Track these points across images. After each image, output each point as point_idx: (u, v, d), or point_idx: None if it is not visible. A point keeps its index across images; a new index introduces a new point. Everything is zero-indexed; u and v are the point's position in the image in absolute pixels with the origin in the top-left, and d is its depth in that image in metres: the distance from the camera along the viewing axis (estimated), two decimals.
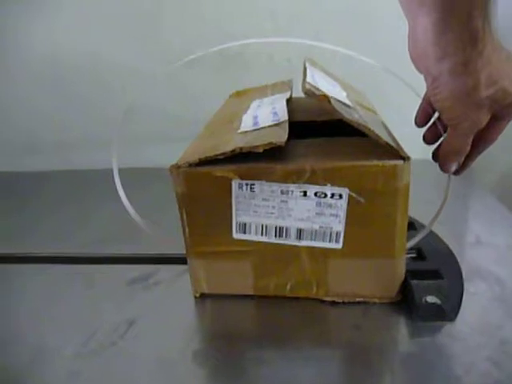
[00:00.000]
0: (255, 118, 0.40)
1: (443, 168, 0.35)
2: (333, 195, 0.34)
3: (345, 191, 0.33)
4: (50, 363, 0.35)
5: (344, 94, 0.41)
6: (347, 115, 0.33)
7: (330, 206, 0.34)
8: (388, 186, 0.33)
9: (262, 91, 0.52)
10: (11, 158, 0.80)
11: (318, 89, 0.34)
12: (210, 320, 0.40)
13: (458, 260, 0.43)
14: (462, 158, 0.34)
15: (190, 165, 0.35)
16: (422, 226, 0.47)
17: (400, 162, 0.32)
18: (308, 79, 0.35)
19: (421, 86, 0.35)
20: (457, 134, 0.32)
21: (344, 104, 0.36)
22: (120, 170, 0.63)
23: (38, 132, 0.80)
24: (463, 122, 0.31)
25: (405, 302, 0.38)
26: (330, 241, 0.36)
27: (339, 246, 0.36)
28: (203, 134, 0.43)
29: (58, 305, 0.42)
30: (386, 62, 0.47)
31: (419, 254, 0.44)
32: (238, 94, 0.56)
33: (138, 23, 0.71)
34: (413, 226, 0.48)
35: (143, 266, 0.46)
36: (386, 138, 0.33)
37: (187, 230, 0.38)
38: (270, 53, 0.70)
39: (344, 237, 0.35)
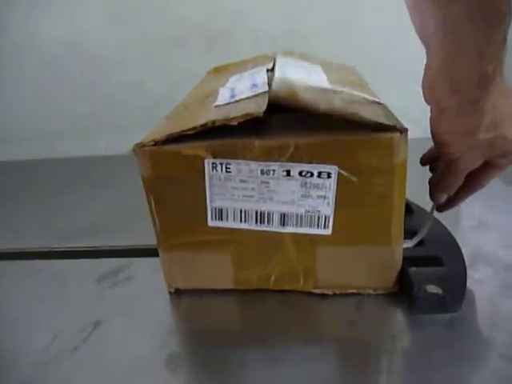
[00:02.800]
0: (232, 90, 0.36)
1: (432, 197, 0.36)
2: (320, 174, 0.29)
3: (334, 169, 0.29)
4: (4, 373, 0.30)
5: (324, 76, 0.37)
6: (324, 104, 0.29)
7: (317, 186, 0.30)
8: (383, 162, 0.28)
9: (242, 65, 0.47)
10: None
11: (286, 83, 0.30)
12: (185, 319, 0.36)
13: (460, 245, 0.39)
14: (452, 192, 0.35)
15: (156, 143, 0.30)
16: (420, 209, 0.43)
17: (396, 135, 0.28)
18: (276, 77, 0.31)
19: None
20: (449, 169, 0.32)
21: (322, 90, 0.32)
22: (115, 157, 0.58)
23: (20, 119, 0.75)
24: (457, 159, 0.31)
25: (402, 292, 0.34)
26: (317, 226, 0.31)
27: (328, 231, 0.31)
28: (175, 110, 0.38)
29: (19, 305, 0.38)
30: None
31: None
32: (217, 69, 0.51)
33: (124, 4, 0.67)
34: (409, 209, 0.44)
35: (114, 260, 0.42)
36: (374, 116, 0.29)
37: (157, 219, 0.33)
38: (256, 32, 0.66)
39: (334, 221, 0.31)
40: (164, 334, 0.33)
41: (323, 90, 0.32)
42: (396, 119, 0.30)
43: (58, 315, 0.36)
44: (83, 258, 0.43)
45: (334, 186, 0.30)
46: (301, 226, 0.31)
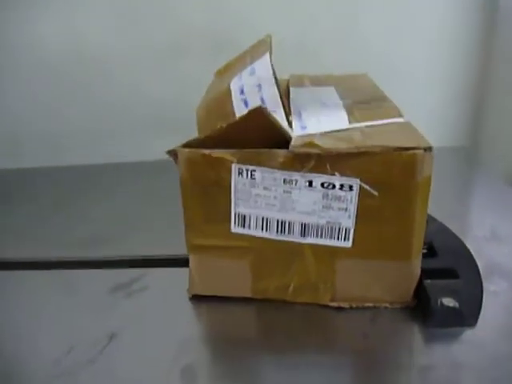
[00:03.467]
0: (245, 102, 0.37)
1: None
2: (342, 186, 0.30)
3: (356, 182, 0.30)
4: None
5: (341, 107, 0.38)
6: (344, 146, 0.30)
7: (339, 198, 0.30)
8: (406, 178, 0.29)
9: (241, 61, 0.48)
10: None
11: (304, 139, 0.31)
12: (201, 330, 0.36)
13: (474, 256, 0.39)
14: None
15: (190, 146, 0.32)
16: (433, 220, 0.44)
17: (420, 152, 0.28)
18: (294, 129, 0.33)
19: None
20: None
21: (341, 131, 0.33)
22: (124, 164, 0.60)
23: (23, 125, 0.76)
24: None
25: (418, 305, 0.34)
26: (338, 238, 0.32)
27: (348, 244, 0.32)
28: (203, 124, 0.40)
29: (33, 317, 0.37)
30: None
31: (430, 250, 0.40)
32: (220, 72, 0.52)
33: (127, 11, 0.69)
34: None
35: (128, 271, 0.41)
36: (396, 140, 0.29)
37: (185, 219, 0.34)
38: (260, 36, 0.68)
39: (354, 234, 0.31)
40: (178, 346, 0.33)
41: (342, 131, 0.33)
42: (420, 136, 0.30)
43: (73, 327, 0.36)
44: (97, 268, 0.43)
45: (355, 199, 0.30)
46: (321, 237, 0.32)
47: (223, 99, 0.41)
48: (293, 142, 0.31)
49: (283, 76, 0.52)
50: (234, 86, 0.41)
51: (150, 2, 0.68)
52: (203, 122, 0.41)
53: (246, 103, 0.39)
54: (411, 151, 0.28)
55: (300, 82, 0.48)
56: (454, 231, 0.43)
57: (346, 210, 0.31)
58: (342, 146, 0.30)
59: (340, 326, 0.34)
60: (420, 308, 0.34)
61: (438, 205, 0.46)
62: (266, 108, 0.31)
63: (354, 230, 0.31)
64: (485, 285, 0.36)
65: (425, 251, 0.40)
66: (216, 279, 0.36)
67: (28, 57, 0.71)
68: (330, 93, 0.43)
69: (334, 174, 0.30)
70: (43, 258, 0.45)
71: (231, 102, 0.39)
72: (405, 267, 0.32)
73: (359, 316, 0.34)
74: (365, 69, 0.57)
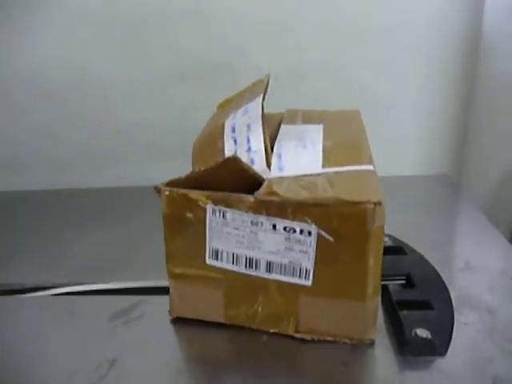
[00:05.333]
0: (235, 143, 0.41)
1: None
2: (302, 231, 0.33)
3: (313, 228, 0.33)
4: None
5: (320, 151, 0.41)
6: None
7: (299, 241, 0.33)
8: (358, 228, 0.32)
9: (238, 102, 0.50)
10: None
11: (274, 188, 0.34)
12: (183, 354, 0.39)
13: (448, 287, 0.42)
14: None
15: (172, 185, 0.36)
16: (413, 251, 0.46)
17: (370, 206, 0.31)
18: (272, 170, 0.37)
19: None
20: None
21: (310, 178, 0.36)
22: (120, 189, 0.64)
23: (27, 148, 0.80)
24: None
25: (396, 337, 0.37)
26: (299, 277, 0.35)
27: (309, 283, 0.35)
28: (196, 158, 0.44)
29: (34, 342, 0.40)
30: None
31: (408, 281, 0.43)
32: (221, 105, 0.55)
33: (127, 38, 0.72)
34: (402, 251, 0.47)
35: (126, 298, 0.45)
36: (353, 193, 0.32)
37: (166, 249, 0.38)
38: (259, 65, 0.70)
39: (314, 274, 0.34)
40: (172, 371, 0.36)
41: (312, 176, 0.36)
42: (375, 189, 0.33)
43: (75, 353, 0.39)
44: (95, 295, 0.46)
45: (314, 243, 0.33)
46: (284, 274, 0.35)
47: (216, 135, 0.44)
48: (261, 189, 0.34)
49: (281, 109, 0.56)
50: (228, 124, 0.45)
51: (152, 32, 0.72)
52: (197, 154, 0.45)
53: (235, 141, 0.43)
54: (362, 205, 0.31)
55: (293, 118, 0.52)
56: (431, 261, 0.46)
57: (306, 252, 0.34)
58: (302, 195, 0.33)
59: (305, 355, 0.37)
60: (396, 337, 0.37)
61: (419, 234, 0.49)
62: (238, 157, 0.34)
63: (314, 271, 0.34)
64: (456, 316, 0.39)
65: (403, 282, 0.43)
66: (193, 304, 0.40)
67: (30, 84, 0.75)
68: (316, 132, 0.46)
69: (294, 220, 0.33)
70: (43, 283, 0.48)
71: (223, 138, 0.43)
72: (360, 307, 0.35)
73: (329, 347, 0.36)
74: (353, 98, 0.61)
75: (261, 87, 0.47)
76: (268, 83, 0.48)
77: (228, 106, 0.52)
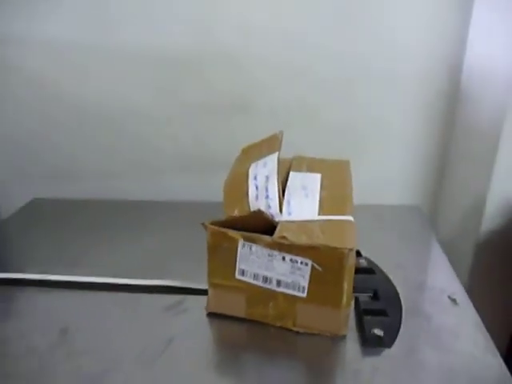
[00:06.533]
0: (255, 190, 0.58)
1: None
2: (301, 262, 0.51)
3: (309, 262, 0.50)
4: (119, 370, 0.51)
5: (317, 199, 0.59)
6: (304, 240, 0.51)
7: (300, 269, 0.51)
8: (337, 264, 0.49)
9: (258, 151, 0.66)
10: (52, 185, 0.98)
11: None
12: (222, 341, 0.58)
13: (402, 300, 0.60)
14: None
15: (214, 224, 0.53)
16: (380, 271, 0.64)
17: (346, 250, 0.49)
18: (283, 214, 0.55)
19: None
20: None
21: (307, 225, 0.54)
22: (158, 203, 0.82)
23: (79, 162, 0.98)
24: None
25: (360, 332, 0.55)
26: (298, 291, 0.52)
27: (304, 295, 0.52)
28: (227, 197, 0.61)
29: (110, 327, 0.57)
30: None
31: (375, 294, 0.61)
32: (244, 151, 0.71)
33: (165, 77, 0.89)
34: (373, 271, 0.64)
35: (173, 296, 0.62)
36: (337, 240, 0.49)
37: (209, 266, 0.56)
38: (271, 103, 0.90)
39: (308, 290, 0.52)
40: (212, 348, 0.55)
41: (310, 222, 0.54)
42: (351, 238, 0.51)
43: (141, 334, 0.56)
44: (148, 292, 0.63)
45: (309, 271, 0.51)
46: (288, 288, 0.53)
47: (242, 179, 0.62)
48: (275, 233, 0.51)
49: (289, 150, 0.70)
50: (251, 172, 0.62)
51: (184, 71, 0.88)
52: (227, 194, 0.62)
53: (256, 187, 0.60)
54: (341, 250, 0.48)
55: (299, 166, 0.69)
56: (393, 280, 0.64)
57: (303, 276, 0.51)
58: (303, 240, 0.50)
59: (299, 342, 0.54)
60: (360, 333, 0.55)
61: (388, 256, 0.67)
62: (262, 211, 0.51)
63: (308, 288, 0.52)
64: (403, 321, 0.56)
65: (371, 295, 0.61)
66: (223, 304, 0.57)
67: (89, 112, 0.93)
68: (316, 182, 0.64)
69: (297, 256, 0.50)
70: (102, 281, 0.65)
71: (247, 183, 0.60)
72: (337, 313, 0.53)
73: (314, 338, 0.54)
74: (354, 126, 0.83)
75: (276, 144, 0.64)
76: (282, 140, 0.65)
77: (250, 152, 0.69)
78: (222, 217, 0.56)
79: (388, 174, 0.94)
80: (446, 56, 0.84)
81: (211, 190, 0.84)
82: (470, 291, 0.64)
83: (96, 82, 0.90)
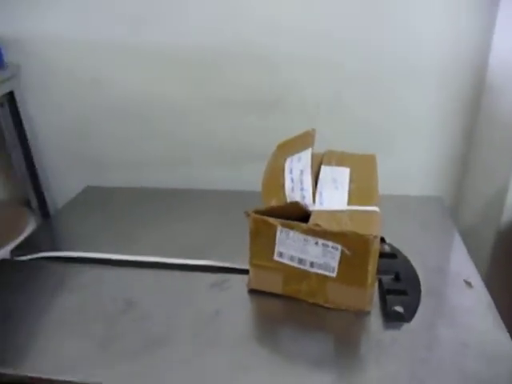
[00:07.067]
0: (292, 182, 0.66)
1: None
2: (332, 247, 0.58)
3: (339, 246, 0.58)
4: (176, 335, 0.60)
5: (346, 190, 0.66)
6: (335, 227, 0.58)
7: (331, 252, 0.59)
8: (363, 249, 0.57)
9: (292, 146, 0.73)
10: (99, 174, 1.09)
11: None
12: (261, 315, 0.66)
13: (421, 282, 0.67)
14: None
15: (256, 213, 0.62)
16: (402, 255, 0.71)
17: (371, 237, 0.56)
18: (316, 204, 0.62)
19: None
20: None
21: (337, 213, 0.61)
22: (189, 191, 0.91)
23: (117, 153, 1.08)
24: None
25: (382, 309, 0.63)
26: (329, 271, 0.60)
27: (334, 275, 0.60)
28: (266, 189, 0.69)
29: (166, 300, 0.67)
30: None
31: (396, 276, 0.68)
32: (279, 147, 0.78)
33: (193, 69, 0.96)
34: (395, 256, 0.71)
35: (217, 275, 0.71)
36: (364, 228, 0.57)
37: (251, 249, 0.64)
38: (301, 99, 0.95)
39: (337, 271, 0.60)
40: (253, 321, 0.65)
41: (340, 212, 0.61)
42: (377, 226, 0.58)
43: (191, 307, 0.65)
44: (197, 271, 0.72)
45: (338, 254, 0.58)
46: (320, 269, 0.61)
47: (278, 173, 0.69)
48: (310, 221, 0.59)
49: (318, 142, 0.77)
50: (287, 166, 0.70)
51: (220, 69, 0.96)
52: (265, 184, 0.70)
53: (292, 180, 0.68)
54: (367, 237, 0.56)
55: (330, 160, 0.76)
56: (414, 264, 0.71)
57: (334, 258, 0.59)
58: (334, 227, 0.58)
59: (329, 317, 0.63)
60: (383, 310, 0.62)
61: (410, 243, 0.73)
62: (299, 202, 0.59)
63: (337, 269, 0.60)
64: (422, 300, 0.64)
65: (393, 277, 0.68)
66: (263, 282, 0.66)
67: (125, 109, 1.02)
68: (345, 175, 0.71)
69: (328, 241, 0.58)
70: (157, 260, 0.74)
71: (283, 177, 0.68)
72: (363, 291, 0.60)
73: (341, 313, 0.62)
74: (380, 119, 0.90)
75: (310, 140, 0.71)
76: (314, 136, 0.72)
77: (285, 148, 0.77)
78: (261, 206, 0.64)
79: (413, 165, 0.99)
80: (471, 48, 0.87)
81: (244, 180, 0.94)
82: (489, 279, 0.70)
83: (138, 79, 0.99)
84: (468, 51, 0.88)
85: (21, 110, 1.00)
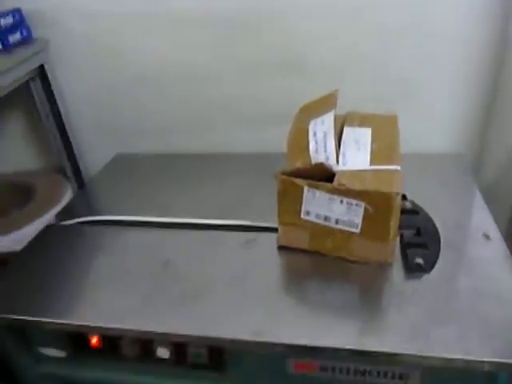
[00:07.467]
0: (316, 143, 0.69)
1: None
2: (356, 204, 0.62)
3: (362, 204, 0.62)
4: (213, 291, 0.66)
5: (369, 151, 0.69)
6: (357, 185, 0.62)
7: (354, 210, 0.63)
8: (386, 204, 0.61)
9: (316, 109, 0.75)
10: (126, 141, 1.13)
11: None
12: (291, 269, 0.71)
13: (441, 236, 0.71)
14: None
15: (283, 174, 0.66)
16: (424, 212, 0.75)
17: (394, 194, 0.60)
18: (340, 165, 0.65)
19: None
20: None
21: (362, 172, 0.65)
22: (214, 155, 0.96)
23: (144, 120, 1.11)
24: None
25: (404, 262, 0.67)
26: (353, 227, 0.64)
27: (357, 230, 0.64)
28: (291, 151, 0.72)
29: (201, 258, 0.72)
30: None
31: (417, 231, 0.72)
32: (302, 110, 0.80)
33: (213, 32, 0.98)
34: (416, 212, 0.75)
35: (248, 233, 0.76)
36: (386, 185, 0.60)
37: (279, 208, 0.69)
38: (324, 55, 0.96)
39: (361, 227, 0.64)
40: (278, 274, 0.70)
41: (363, 171, 0.65)
42: (398, 183, 0.61)
43: (225, 264, 0.70)
44: (228, 230, 0.77)
45: (362, 211, 0.62)
46: (344, 226, 0.65)
47: (303, 135, 0.73)
48: (334, 181, 0.63)
49: (345, 105, 0.78)
50: (311, 129, 0.73)
51: (235, 25, 0.96)
52: (290, 149, 0.73)
53: (316, 142, 0.71)
54: (389, 194, 0.60)
55: (352, 121, 0.78)
56: (434, 220, 0.74)
57: (357, 215, 0.63)
58: (357, 185, 0.62)
59: (353, 269, 0.67)
60: (404, 262, 0.67)
61: (431, 200, 0.77)
62: (324, 163, 0.63)
63: (361, 225, 0.64)
64: (441, 253, 0.67)
65: (414, 232, 0.72)
66: (291, 238, 0.71)
67: (154, 78, 1.05)
68: (367, 136, 0.74)
69: (352, 199, 0.62)
70: (190, 221, 0.80)
71: (308, 139, 0.71)
72: (385, 245, 0.65)
73: (364, 266, 0.67)
74: (402, 76, 0.90)
75: (333, 102, 0.74)
76: (337, 98, 0.75)
77: (309, 110, 0.80)
78: (287, 167, 0.68)
79: (435, 122, 1.00)
80: (494, 5, 0.87)
81: (268, 142, 0.97)
82: (509, 234, 0.72)
83: (161, 46, 1.02)
84: (495, 2, 0.87)
85: (52, 82, 1.04)
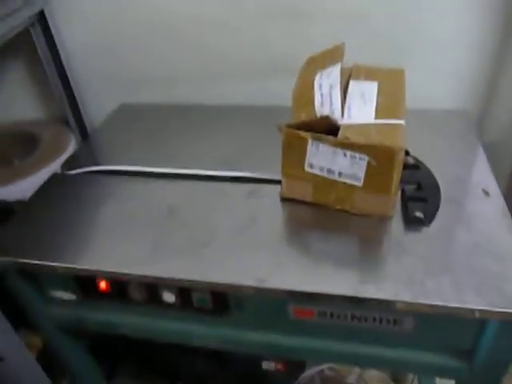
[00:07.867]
0: (321, 97, 0.69)
1: None
2: (359, 158, 0.63)
3: (365, 157, 0.62)
4: (218, 239, 0.68)
5: (374, 105, 0.69)
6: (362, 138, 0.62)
7: (358, 163, 0.64)
8: (389, 158, 0.61)
9: (322, 61, 0.75)
10: (131, 91, 1.11)
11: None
12: (293, 220, 0.73)
13: (441, 191, 0.72)
14: None
15: (288, 127, 0.66)
16: (425, 166, 0.76)
17: (397, 148, 0.60)
18: (344, 117, 0.65)
19: None
20: None
21: (366, 126, 0.65)
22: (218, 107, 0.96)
23: (149, 69, 1.09)
24: None
25: (404, 215, 0.69)
26: (355, 180, 0.65)
27: (360, 184, 0.65)
28: (296, 103, 0.72)
29: (206, 208, 0.74)
30: None
31: (418, 186, 0.73)
32: (309, 61, 0.79)
33: None
34: (418, 168, 0.76)
35: (252, 185, 0.77)
36: (390, 139, 0.61)
37: (283, 160, 0.69)
38: (333, 7, 0.94)
39: (363, 180, 0.65)
40: (282, 225, 0.72)
41: (367, 125, 0.65)
42: (401, 137, 0.62)
43: (231, 214, 0.72)
44: (232, 181, 0.78)
45: (365, 164, 0.63)
46: (347, 178, 0.66)
47: (308, 88, 0.72)
48: (339, 134, 0.63)
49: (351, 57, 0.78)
50: (316, 82, 0.73)
51: None
52: (295, 98, 0.73)
53: (321, 95, 0.71)
54: (392, 148, 0.60)
55: (358, 74, 0.77)
56: (436, 175, 0.75)
57: (361, 169, 0.64)
58: (361, 139, 0.62)
59: (355, 221, 0.69)
60: (404, 215, 0.68)
61: (432, 156, 0.78)
62: (329, 115, 0.63)
63: (364, 178, 0.65)
64: (441, 208, 0.69)
65: (415, 187, 0.73)
66: (294, 191, 0.72)
67: (159, 25, 1.03)
68: (373, 89, 0.73)
69: (356, 152, 0.63)
70: (195, 172, 0.81)
71: (313, 92, 0.71)
72: (387, 198, 0.66)
73: (366, 219, 0.69)
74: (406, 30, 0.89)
75: (339, 55, 0.73)
76: (344, 51, 0.74)
77: (315, 62, 0.79)
78: (291, 120, 0.68)
79: (440, 78, 0.99)
80: None
81: (273, 94, 0.96)
82: (509, 191, 0.73)
83: None
84: None
85: (52, 29, 1.02)
